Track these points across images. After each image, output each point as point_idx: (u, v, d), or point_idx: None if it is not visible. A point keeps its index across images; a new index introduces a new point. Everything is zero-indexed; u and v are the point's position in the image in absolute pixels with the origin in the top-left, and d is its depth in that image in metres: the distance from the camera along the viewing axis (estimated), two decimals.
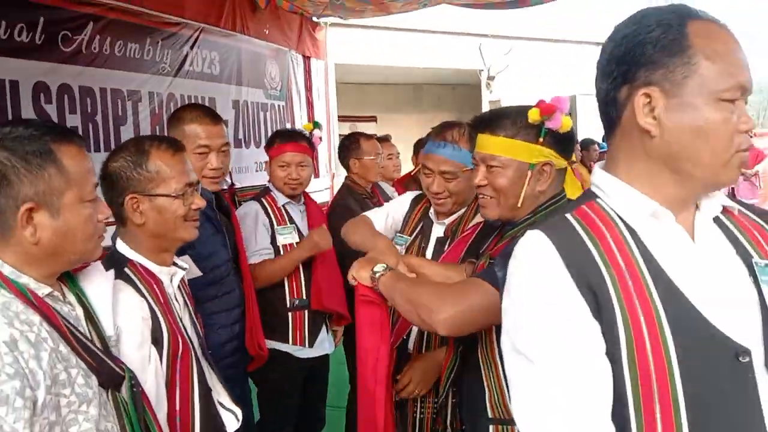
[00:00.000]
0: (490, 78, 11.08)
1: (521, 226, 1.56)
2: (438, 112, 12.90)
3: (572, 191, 1.62)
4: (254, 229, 2.74)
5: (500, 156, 1.57)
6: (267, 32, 5.76)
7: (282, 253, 2.75)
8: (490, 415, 1.62)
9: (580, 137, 9.99)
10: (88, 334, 1.25)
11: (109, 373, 1.25)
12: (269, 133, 5.79)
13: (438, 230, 2.07)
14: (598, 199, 1.06)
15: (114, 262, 1.49)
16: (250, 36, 5.46)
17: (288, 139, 2.90)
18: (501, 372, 1.56)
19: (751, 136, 1.01)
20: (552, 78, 11.51)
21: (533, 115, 1.53)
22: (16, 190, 1.15)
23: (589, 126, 10.82)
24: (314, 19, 6.61)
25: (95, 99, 3.73)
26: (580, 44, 12.08)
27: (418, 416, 1.97)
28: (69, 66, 3.56)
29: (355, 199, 3.50)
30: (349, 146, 3.66)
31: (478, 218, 1.95)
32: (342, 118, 9.76)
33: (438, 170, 1.97)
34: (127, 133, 3.92)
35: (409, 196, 2.25)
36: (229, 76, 5.17)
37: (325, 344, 2.90)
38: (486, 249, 1.73)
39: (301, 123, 6.54)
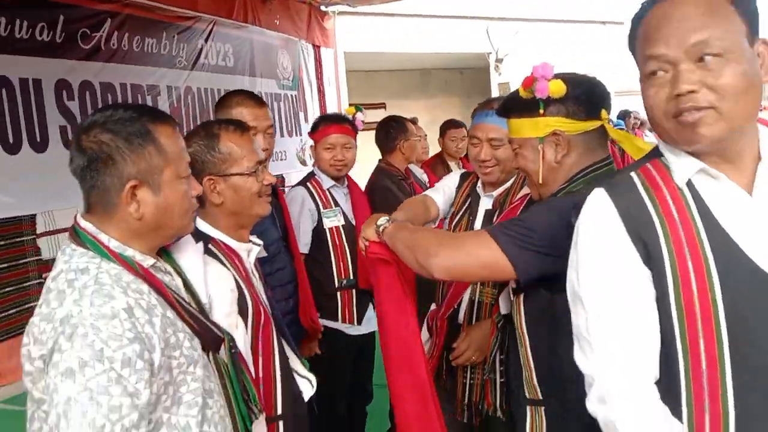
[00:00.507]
0: (499, 60, 11.05)
1: (556, 197, 1.57)
2: (446, 96, 12.88)
3: (630, 147, 1.60)
4: (299, 216, 2.83)
5: (515, 137, 1.63)
6: (278, 23, 5.81)
7: (329, 235, 2.83)
8: (527, 395, 1.61)
9: None
10: (188, 301, 1.34)
11: (211, 336, 1.34)
12: (283, 124, 5.86)
13: (486, 203, 2.09)
14: (662, 158, 1.14)
15: (198, 239, 1.56)
16: (262, 27, 5.51)
17: (333, 122, 3.01)
18: (529, 349, 1.58)
19: None
20: (560, 58, 11.47)
21: (521, 92, 1.58)
22: (120, 169, 1.22)
23: None
24: (322, 8, 6.65)
25: (116, 94, 3.80)
26: (587, 24, 12.02)
27: (468, 382, 2.02)
28: (89, 63, 3.63)
29: (391, 180, 3.61)
30: (397, 128, 3.78)
31: (527, 189, 1.98)
32: (350, 106, 9.79)
33: (486, 138, 2.02)
34: None
35: (458, 173, 2.29)
36: (243, 68, 5.23)
37: (372, 321, 3.00)
38: None
39: (313, 112, 6.59)
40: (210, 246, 1.61)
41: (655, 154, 1.16)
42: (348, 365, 2.96)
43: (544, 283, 1.50)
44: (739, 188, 1.07)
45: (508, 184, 2.06)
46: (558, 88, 1.53)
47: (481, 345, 1.98)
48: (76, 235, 1.26)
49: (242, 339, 1.55)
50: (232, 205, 1.66)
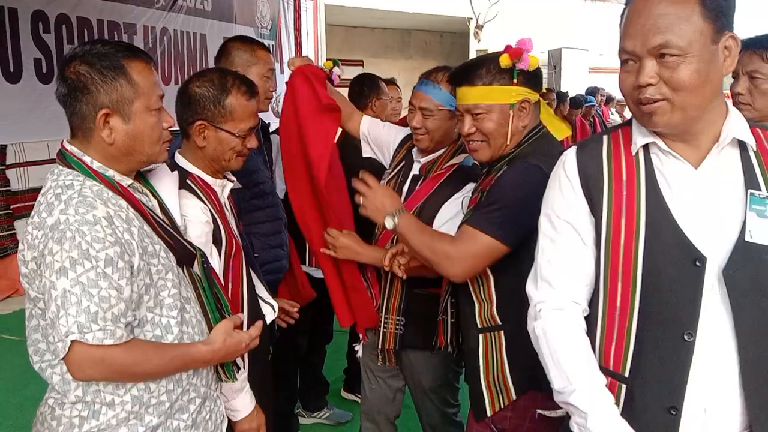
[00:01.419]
0: (479, 27, 11.07)
1: (506, 159, 1.72)
2: (425, 59, 12.87)
3: (549, 120, 1.79)
4: (275, 162, 2.91)
5: (482, 103, 1.75)
6: None
7: None
8: (479, 325, 1.79)
9: (563, 89, 10.11)
10: (164, 219, 1.46)
11: (184, 251, 1.46)
12: None
13: (415, 168, 2.18)
14: (632, 125, 1.28)
15: (174, 171, 1.66)
16: None
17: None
18: (492, 285, 1.74)
19: None
20: (539, 30, 11.51)
21: (504, 61, 1.69)
22: (94, 98, 1.33)
23: (573, 78, 10.94)
24: None
25: (92, 30, 3.79)
26: None
27: (381, 330, 2.13)
28: None
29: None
30: (370, 86, 3.83)
31: (456, 160, 2.10)
32: (329, 60, 9.74)
33: (418, 106, 2.10)
34: None
35: (402, 133, 2.35)
36: (221, 13, 5.19)
37: None
38: (480, 185, 1.88)
39: None
40: (188, 181, 1.70)
41: (631, 121, 1.31)
42: (312, 305, 3.10)
43: None
44: (686, 162, 1.22)
45: (439, 152, 2.15)
46: (535, 62, 1.69)
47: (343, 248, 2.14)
48: (63, 157, 1.38)
49: (216, 266, 1.65)
50: (212, 152, 1.74)
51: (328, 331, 3.39)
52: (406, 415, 2.47)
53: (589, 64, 11.19)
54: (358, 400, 2.62)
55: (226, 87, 1.73)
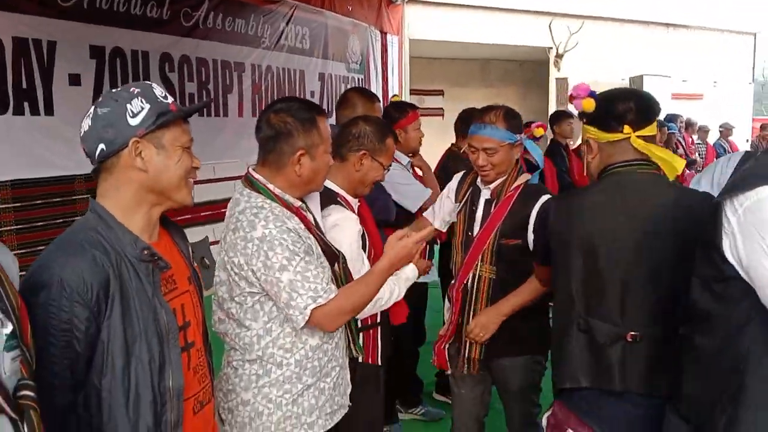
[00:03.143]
0: (559, 56, 11.19)
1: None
2: (504, 87, 13.08)
3: (656, 157, 1.87)
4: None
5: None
6: (350, 9, 6.19)
7: None
8: None
9: None
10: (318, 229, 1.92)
11: (332, 252, 1.90)
12: None
13: (485, 194, 2.50)
14: None
15: (327, 193, 2.16)
16: (336, 12, 5.89)
17: (417, 108, 3.68)
18: None
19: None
20: (619, 57, 11.53)
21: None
22: (294, 141, 1.80)
23: None
24: None
25: (209, 69, 4.24)
26: (648, 24, 12.02)
27: (467, 354, 2.49)
28: (188, 39, 4.07)
29: (463, 164, 4.01)
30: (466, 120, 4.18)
31: (519, 181, 2.44)
32: (410, 91, 10.11)
33: (481, 147, 2.39)
34: (232, 101, 4.44)
35: (456, 178, 2.74)
36: (317, 50, 5.62)
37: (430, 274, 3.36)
38: None
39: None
40: (338, 198, 2.20)
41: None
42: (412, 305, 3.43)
43: None
44: None
45: (503, 178, 2.44)
46: (588, 105, 1.93)
47: (485, 328, 2.42)
48: (250, 182, 1.82)
49: (362, 264, 2.14)
50: (361, 177, 2.25)
51: (422, 332, 3.74)
52: (491, 415, 2.69)
53: (672, 91, 11.09)
54: (449, 402, 2.86)
55: (387, 131, 2.31)
